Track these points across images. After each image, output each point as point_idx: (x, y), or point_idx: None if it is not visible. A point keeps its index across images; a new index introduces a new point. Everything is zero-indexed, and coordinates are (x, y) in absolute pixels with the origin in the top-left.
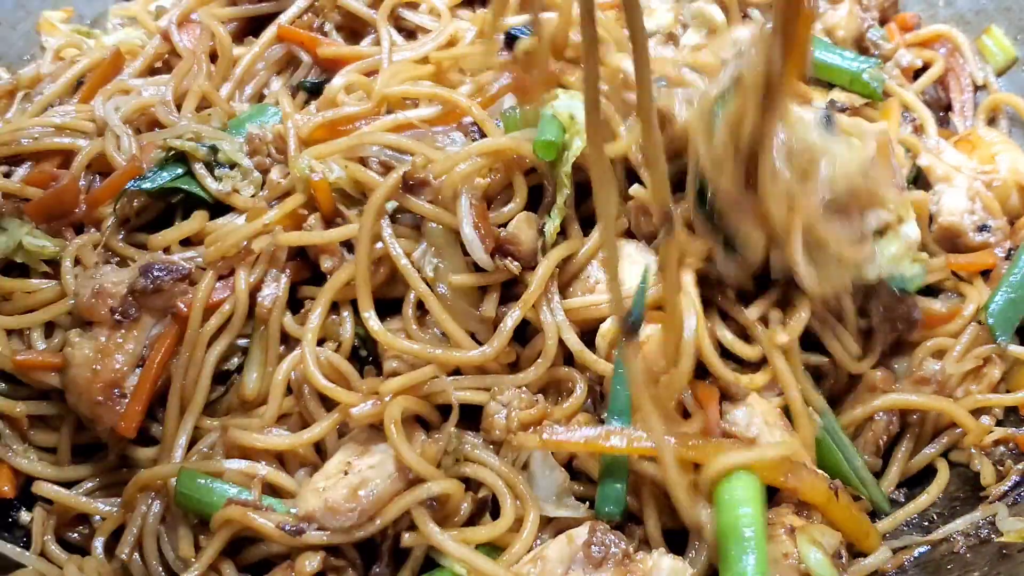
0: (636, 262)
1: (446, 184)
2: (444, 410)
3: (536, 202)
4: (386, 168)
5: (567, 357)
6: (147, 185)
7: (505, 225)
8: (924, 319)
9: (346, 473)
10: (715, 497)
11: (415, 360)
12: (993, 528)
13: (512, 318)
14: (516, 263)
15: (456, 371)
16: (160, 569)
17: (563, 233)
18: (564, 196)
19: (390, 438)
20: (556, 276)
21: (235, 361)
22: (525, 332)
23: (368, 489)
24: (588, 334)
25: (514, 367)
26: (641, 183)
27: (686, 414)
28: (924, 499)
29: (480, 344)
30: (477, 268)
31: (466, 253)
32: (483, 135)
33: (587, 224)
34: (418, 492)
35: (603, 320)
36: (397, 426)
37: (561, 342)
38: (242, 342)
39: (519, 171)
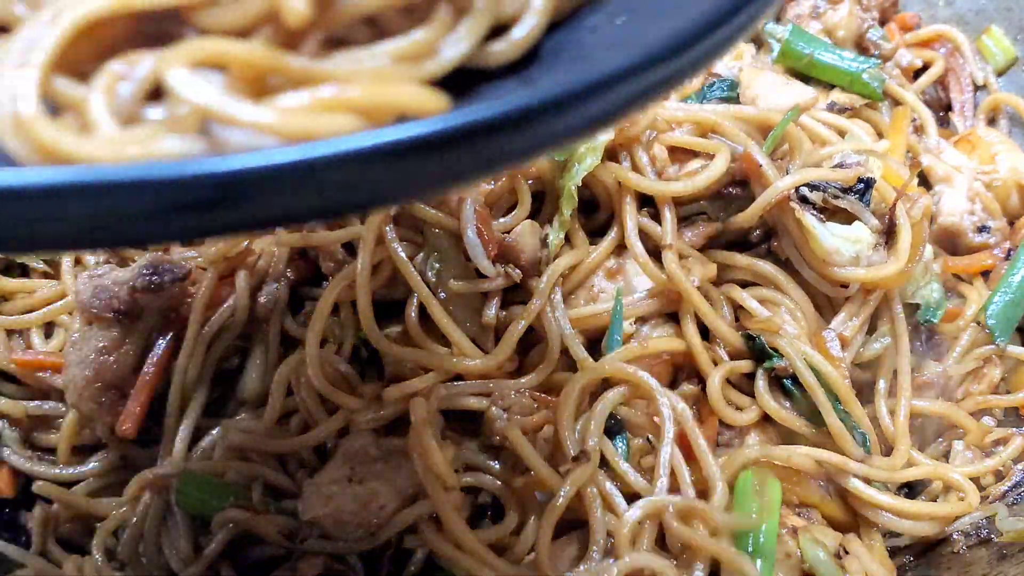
0: (639, 274)
1: None
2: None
3: (539, 212)
4: None
5: (569, 363)
6: None
7: (508, 233)
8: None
9: (350, 480)
10: (734, 496)
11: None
12: (993, 528)
13: (519, 326)
14: (517, 270)
15: (456, 376)
16: (159, 569)
17: (569, 243)
18: (570, 209)
19: (421, 438)
20: (560, 284)
21: (235, 361)
22: (525, 338)
23: (377, 504)
24: (592, 342)
25: (515, 373)
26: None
27: None
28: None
29: (480, 349)
30: (479, 274)
31: (468, 259)
32: None
33: (593, 235)
34: (422, 506)
35: (606, 328)
36: (424, 427)
37: (564, 349)
38: (242, 342)
39: (523, 179)
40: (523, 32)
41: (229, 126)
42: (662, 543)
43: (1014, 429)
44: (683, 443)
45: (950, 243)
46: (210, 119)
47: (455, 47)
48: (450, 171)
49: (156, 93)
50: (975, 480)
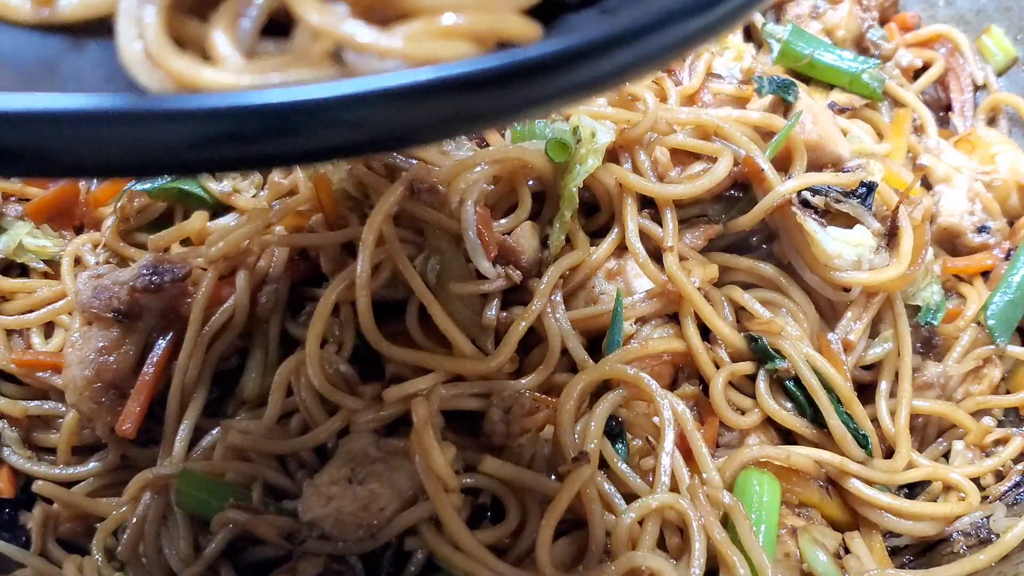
0: (639, 275)
1: (451, 190)
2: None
3: (540, 214)
4: (390, 170)
5: (569, 364)
6: (147, 185)
7: (509, 234)
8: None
9: (350, 481)
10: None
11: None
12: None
13: (519, 327)
14: (518, 271)
15: (457, 377)
16: (159, 569)
17: (569, 244)
18: (571, 210)
19: (423, 439)
20: (561, 286)
21: (235, 361)
22: (525, 339)
23: (378, 505)
24: (592, 343)
25: (515, 374)
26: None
27: None
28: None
29: (480, 350)
30: (479, 275)
31: (468, 260)
32: (486, 142)
33: (594, 236)
34: (423, 507)
35: (606, 329)
36: (426, 427)
37: (564, 350)
38: (242, 342)
39: (524, 181)
40: None
41: (362, 53)
42: (661, 543)
43: (1014, 429)
44: (683, 444)
45: (950, 243)
46: (343, 47)
47: None
48: (556, 93)
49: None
50: (975, 480)
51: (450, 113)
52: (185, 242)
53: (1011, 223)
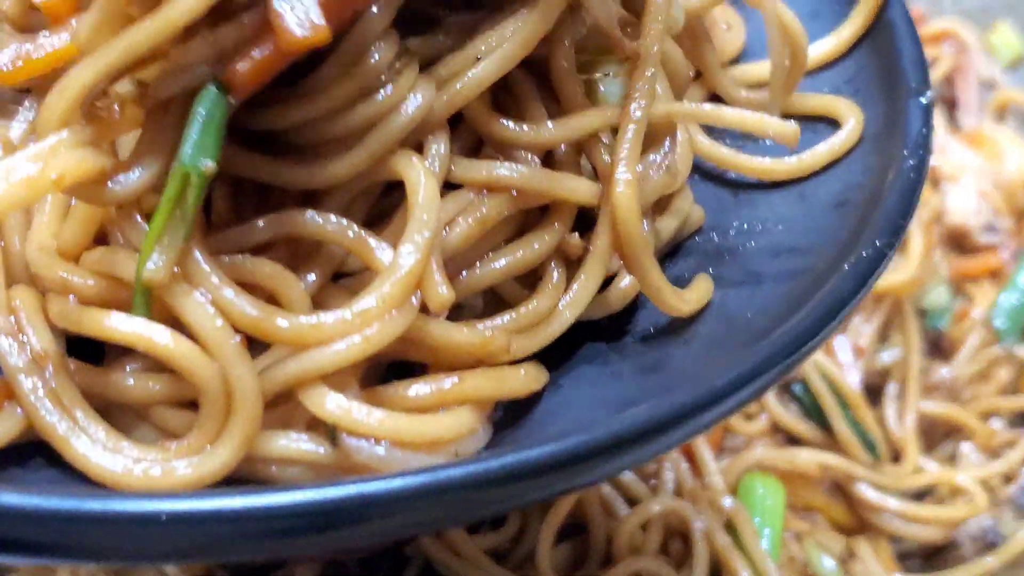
0: None
1: None
2: None
3: None
4: None
5: None
6: None
7: None
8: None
9: None
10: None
11: None
12: (999, 533)
13: None
14: None
15: None
16: (154, 572)
17: None
18: None
19: None
20: None
21: None
22: None
23: None
24: None
25: None
26: None
27: None
28: None
29: None
30: None
31: None
32: None
33: None
34: None
35: None
36: None
37: None
38: None
39: None
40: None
41: (357, 437)
42: (664, 548)
43: (1022, 431)
44: (686, 448)
45: (957, 242)
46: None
47: (565, 314)
48: (563, 488)
49: None
50: (983, 483)
51: (452, 510)
52: None
53: (1019, 221)
